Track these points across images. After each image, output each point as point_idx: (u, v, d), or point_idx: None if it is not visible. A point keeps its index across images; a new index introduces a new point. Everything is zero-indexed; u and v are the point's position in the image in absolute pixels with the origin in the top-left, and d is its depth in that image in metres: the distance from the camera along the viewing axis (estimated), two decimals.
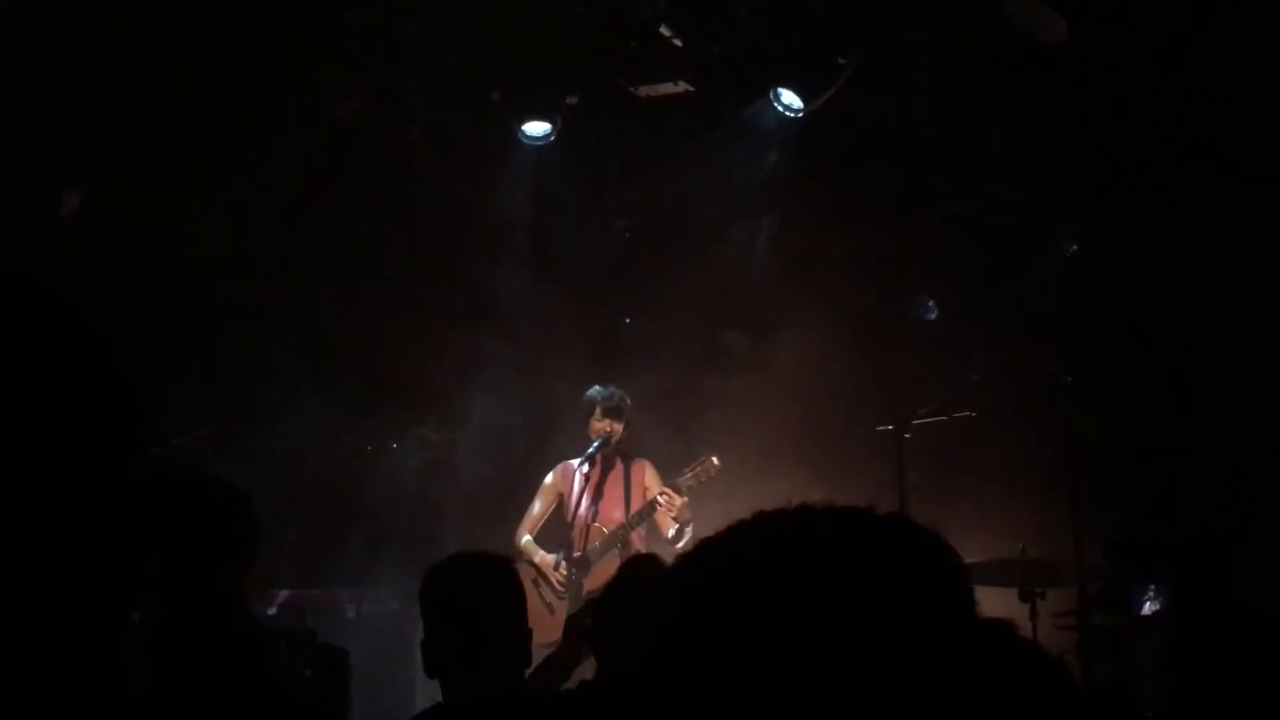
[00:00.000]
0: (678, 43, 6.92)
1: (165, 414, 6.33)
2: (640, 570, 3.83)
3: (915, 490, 6.47)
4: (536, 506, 7.00)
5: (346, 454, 7.96)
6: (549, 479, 7.03)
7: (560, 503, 6.96)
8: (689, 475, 6.64)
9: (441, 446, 8.43)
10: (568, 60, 7.14)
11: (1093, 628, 5.82)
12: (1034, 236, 7.50)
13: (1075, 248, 7.43)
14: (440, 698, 3.16)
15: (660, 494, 6.61)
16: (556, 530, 6.90)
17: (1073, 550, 5.90)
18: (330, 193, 7.61)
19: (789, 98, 6.98)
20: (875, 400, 7.23)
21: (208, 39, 6.49)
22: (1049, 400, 6.37)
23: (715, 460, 6.67)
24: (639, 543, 6.66)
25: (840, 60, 6.73)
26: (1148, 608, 5.76)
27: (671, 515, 6.56)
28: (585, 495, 6.73)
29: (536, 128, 7.34)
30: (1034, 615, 5.96)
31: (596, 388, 6.92)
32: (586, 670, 3.68)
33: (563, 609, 6.34)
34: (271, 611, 7.04)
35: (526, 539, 6.89)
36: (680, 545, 6.57)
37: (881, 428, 6.73)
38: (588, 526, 6.69)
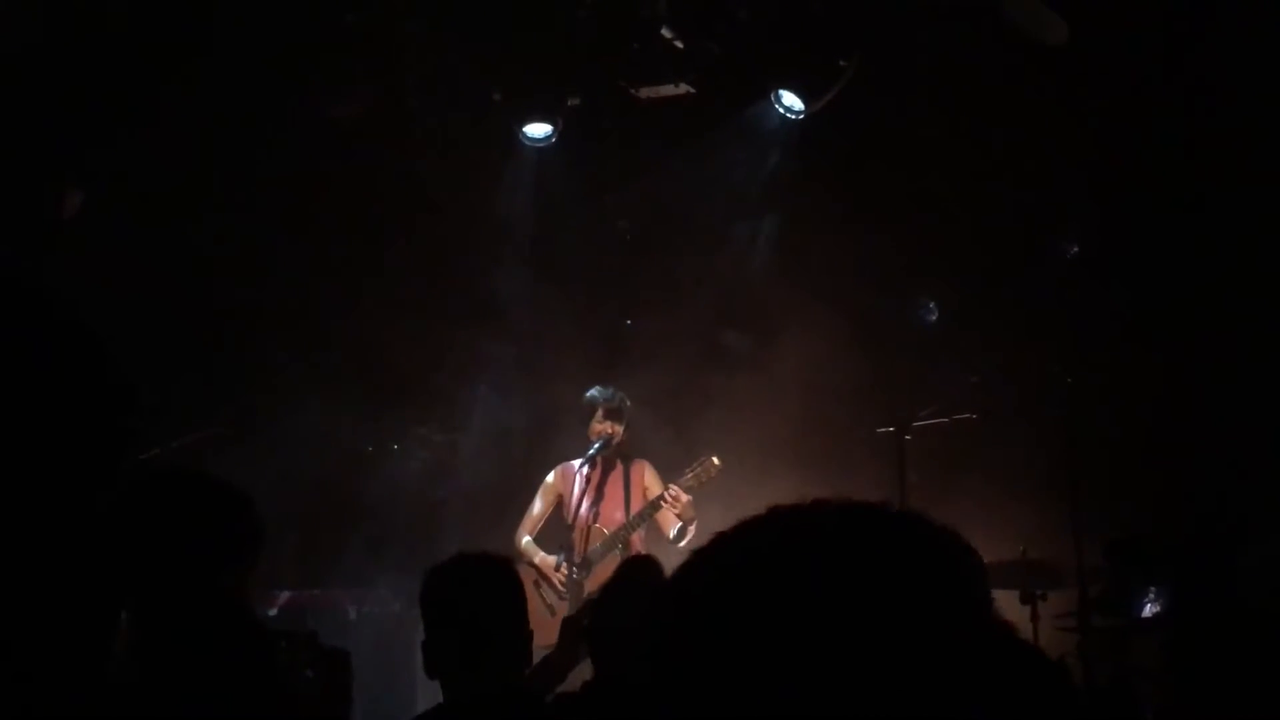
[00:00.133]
0: (679, 44, 6.92)
1: (166, 415, 6.33)
2: (637, 572, 3.84)
3: (915, 491, 6.47)
4: (536, 507, 6.99)
5: (347, 455, 7.96)
6: (549, 479, 7.03)
7: (560, 504, 6.96)
8: (690, 476, 6.64)
9: (442, 447, 8.44)
10: (569, 61, 7.14)
11: (1093, 629, 5.81)
12: (1034, 238, 7.50)
13: (1076, 249, 7.43)
14: (441, 698, 3.16)
15: (667, 490, 6.60)
16: (556, 532, 6.90)
17: (1073, 552, 5.90)
18: (331, 193, 7.61)
19: (790, 99, 6.98)
20: (876, 401, 7.23)
21: (208, 39, 6.50)
22: (1049, 401, 6.37)
23: (716, 461, 6.67)
24: (640, 543, 6.66)
25: (841, 62, 6.73)
26: (1148, 609, 5.76)
27: (676, 512, 6.55)
28: (586, 496, 6.73)
29: (537, 129, 7.34)
30: (1035, 617, 5.96)
31: (597, 389, 6.92)
32: (584, 671, 3.68)
33: (564, 610, 6.34)
34: (272, 612, 7.04)
35: (527, 540, 6.89)
36: (683, 544, 6.57)
37: (882, 429, 6.73)
38: (588, 528, 6.69)
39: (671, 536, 6.64)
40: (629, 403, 6.92)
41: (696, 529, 6.57)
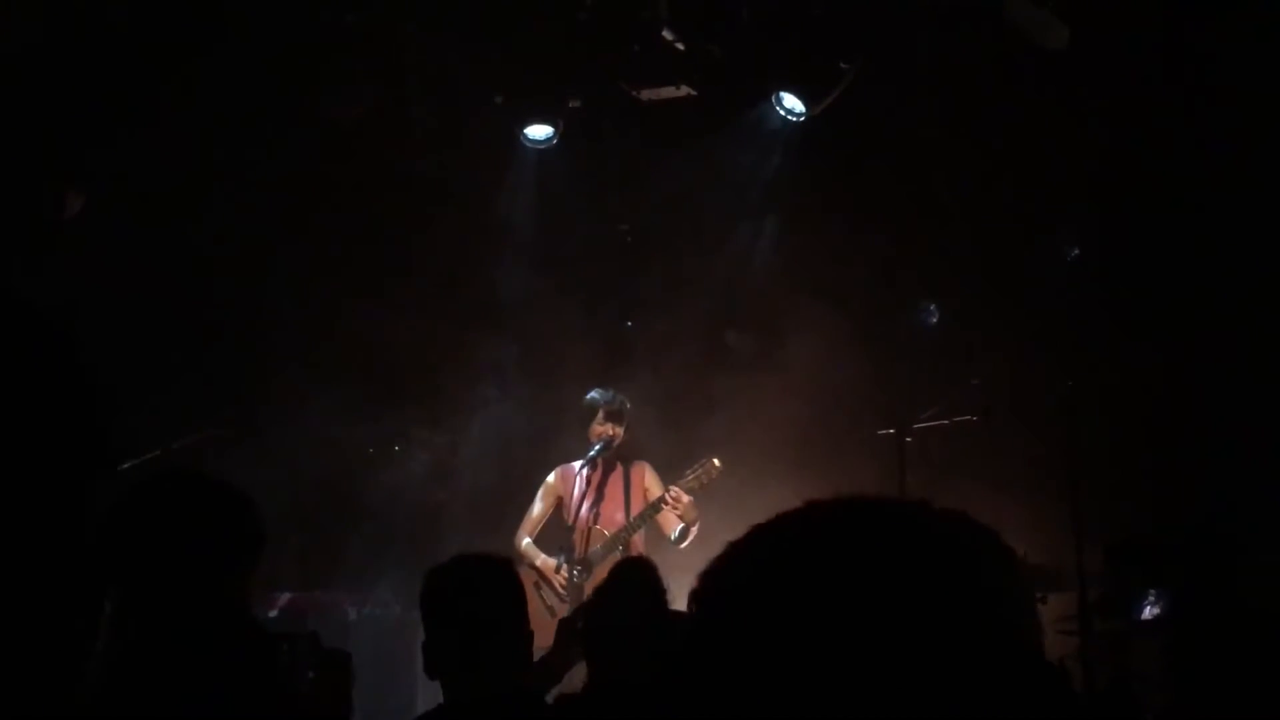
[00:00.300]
0: (680, 46, 6.92)
1: (166, 415, 6.34)
2: (630, 572, 3.84)
3: (915, 493, 6.46)
4: (536, 509, 6.99)
5: (348, 456, 7.96)
6: (549, 481, 7.02)
7: (560, 505, 6.96)
8: (691, 477, 6.64)
9: (443, 448, 8.44)
10: (570, 63, 7.14)
11: (1094, 632, 5.81)
12: (1034, 239, 7.51)
13: (1076, 251, 7.43)
14: (442, 699, 3.15)
15: (668, 491, 6.60)
16: (557, 533, 6.90)
17: (1073, 554, 5.90)
18: (333, 195, 7.61)
19: (791, 102, 6.99)
20: (876, 403, 7.23)
21: (208, 39, 6.49)
22: (1049, 403, 6.37)
23: (717, 462, 6.66)
24: (641, 545, 6.66)
25: (842, 65, 6.73)
26: (1148, 612, 5.76)
27: (677, 514, 6.55)
28: (586, 498, 6.72)
29: (539, 131, 7.34)
30: None
31: (597, 391, 6.92)
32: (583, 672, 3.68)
33: (564, 612, 6.33)
34: (273, 614, 7.04)
35: (527, 541, 6.88)
36: (684, 546, 6.57)
37: (882, 431, 6.73)
38: (589, 529, 6.69)
39: (673, 538, 6.64)
40: (629, 405, 6.91)
41: (697, 530, 6.57)
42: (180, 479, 2.53)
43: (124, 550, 2.35)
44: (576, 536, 6.67)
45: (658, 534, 6.75)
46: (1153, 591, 5.76)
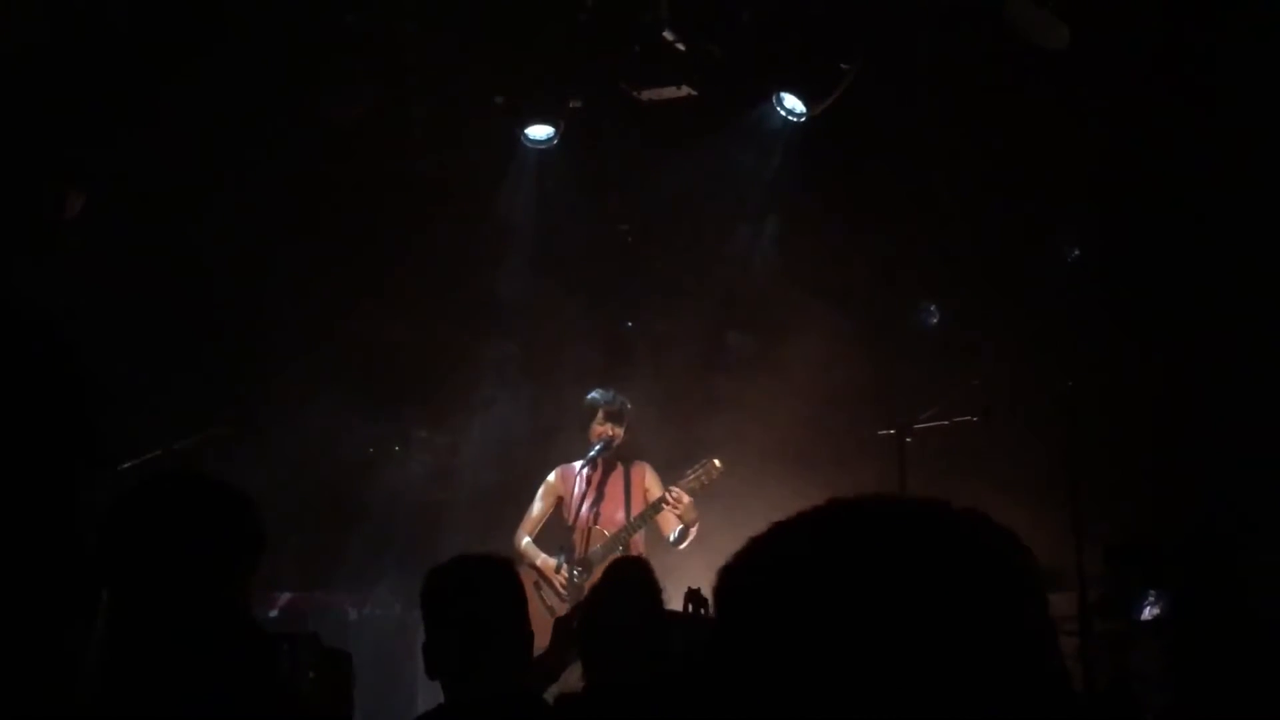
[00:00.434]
0: (680, 47, 6.92)
1: (166, 415, 6.33)
2: (625, 572, 3.84)
3: (915, 494, 6.45)
4: (536, 509, 6.99)
5: (348, 456, 7.96)
6: (549, 480, 7.02)
7: (560, 505, 6.96)
8: (691, 478, 6.64)
9: (443, 449, 8.44)
10: (570, 64, 7.14)
11: (1094, 633, 5.81)
12: (1036, 241, 7.50)
13: (1077, 252, 7.43)
14: (442, 699, 3.16)
15: (668, 492, 6.60)
16: (557, 533, 6.90)
17: (1073, 554, 5.90)
18: (333, 195, 7.61)
19: (791, 102, 6.99)
20: (876, 403, 7.23)
21: (208, 39, 6.49)
22: (1049, 403, 6.37)
23: (717, 463, 6.66)
24: (641, 545, 6.66)
25: (843, 65, 6.73)
26: (1148, 612, 5.76)
27: (677, 514, 6.55)
28: (586, 498, 6.73)
29: (540, 131, 7.34)
30: None
31: (598, 391, 6.92)
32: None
33: (564, 612, 6.33)
34: (274, 614, 7.04)
35: (527, 541, 6.88)
36: (683, 546, 6.57)
37: (883, 431, 6.72)
38: (589, 529, 6.69)
39: (672, 539, 6.64)
40: (629, 405, 6.91)
41: (696, 531, 6.57)
42: (180, 479, 2.53)
43: (124, 550, 2.35)
44: (577, 536, 6.68)
45: (658, 534, 6.75)
46: (1152, 592, 5.76)
